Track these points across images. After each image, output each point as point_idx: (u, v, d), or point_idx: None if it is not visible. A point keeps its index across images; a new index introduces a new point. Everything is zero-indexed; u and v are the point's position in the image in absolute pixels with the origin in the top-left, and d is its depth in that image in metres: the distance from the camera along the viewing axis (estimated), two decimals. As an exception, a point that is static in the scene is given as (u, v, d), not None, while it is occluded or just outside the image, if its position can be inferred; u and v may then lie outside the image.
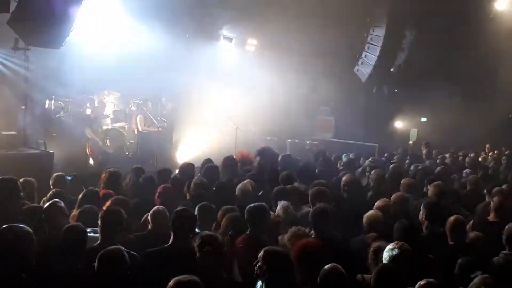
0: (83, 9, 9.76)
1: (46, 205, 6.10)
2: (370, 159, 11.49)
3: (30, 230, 4.80)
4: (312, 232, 5.90)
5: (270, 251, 4.61)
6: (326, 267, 4.52)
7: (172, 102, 15.34)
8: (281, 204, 6.68)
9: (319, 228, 5.90)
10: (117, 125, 14.33)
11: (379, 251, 5.20)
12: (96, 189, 7.29)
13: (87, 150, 13.00)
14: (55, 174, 7.94)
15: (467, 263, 5.02)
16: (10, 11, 9.35)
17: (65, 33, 9.72)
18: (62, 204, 6.03)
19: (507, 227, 5.77)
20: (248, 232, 5.77)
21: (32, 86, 10.96)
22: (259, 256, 4.61)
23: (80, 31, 10.52)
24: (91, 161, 13.06)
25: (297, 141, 16.83)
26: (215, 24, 15.94)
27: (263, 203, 6.08)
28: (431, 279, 4.41)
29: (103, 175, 7.97)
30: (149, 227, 5.97)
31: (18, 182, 6.76)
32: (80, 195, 6.83)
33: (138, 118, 14.06)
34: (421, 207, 6.50)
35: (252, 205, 5.96)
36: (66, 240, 5.04)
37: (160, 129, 14.10)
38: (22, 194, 6.63)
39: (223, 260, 4.96)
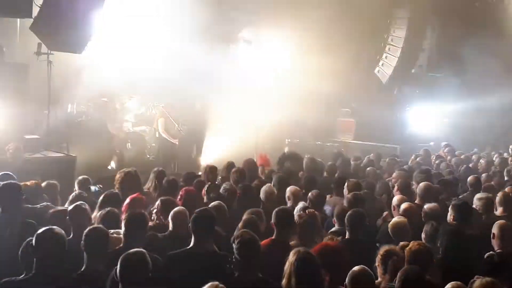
0: (105, 13, 9.81)
1: (70, 207, 6.14)
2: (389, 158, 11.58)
3: (63, 232, 4.91)
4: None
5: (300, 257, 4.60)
6: (354, 268, 4.50)
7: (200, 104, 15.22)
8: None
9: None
10: (138, 129, 14.39)
11: (387, 256, 5.15)
12: (117, 191, 7.30)
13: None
14: (80, 177, 8.00)
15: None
16: (33, 17, 9.46)
17: (86, 37, 9.80)
18: (86, 206, 6.07)
19: None
20: (273, 237, 5.78)
21: (54, 90, 11.02)
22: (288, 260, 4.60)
23: (102, 34, 10.59)
24: (112, 164, 13.08)
25: (318, 143, 16.77)
26: (235, 27, 15.96)
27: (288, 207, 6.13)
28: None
29: (118, 176, 8.01)
30: (170, 228, 5.98)
31: (21, 186, 6.71)
32: (101, 197, 6.86)
33: (159, 121, 14.09)
34: (450, 209, 6.45)
35: (280, 208, 5.97)
36: (87, 242, 5.06)
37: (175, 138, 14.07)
38: (24, 196, 6.59)
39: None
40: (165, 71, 13.61)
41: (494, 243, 5.77)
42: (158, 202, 6.67)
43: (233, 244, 4.92)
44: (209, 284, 3.99)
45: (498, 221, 5.96)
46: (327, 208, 7.63)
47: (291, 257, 4.60)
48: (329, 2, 14.05)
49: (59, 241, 4.82)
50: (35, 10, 9.41)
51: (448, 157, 13.20)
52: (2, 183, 6.52)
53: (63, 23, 9.40)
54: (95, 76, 12.37)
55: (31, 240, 4.85)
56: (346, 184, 8.02)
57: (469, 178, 9.02)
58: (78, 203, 6.10)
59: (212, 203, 6.54)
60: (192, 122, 14.70)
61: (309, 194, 7.51)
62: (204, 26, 14.26)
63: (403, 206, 6.84)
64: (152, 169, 8.74)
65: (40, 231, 4.85)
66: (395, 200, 7.30)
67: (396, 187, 8.27)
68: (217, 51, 15.14)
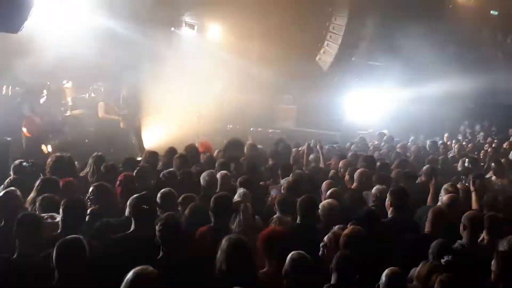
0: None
1: (1, 193, 5.99)
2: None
3: None
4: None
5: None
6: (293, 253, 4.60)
7: (133, 90, 15.05)
8: None
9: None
10: (75, 112, 14.08)
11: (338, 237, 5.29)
12: (53, 176, 7.15)
13: (23, 129, 12.31)
14: (16, 162, 7.79)
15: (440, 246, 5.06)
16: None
17: (23, 17, 9.43)
18: (18, 192, 5.93)
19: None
20: (212, 224, 5.80)
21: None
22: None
23: (39, 15, 10.23)
24: (48, 148, 12.75)
25: (259, 129, 16.85)
26: (177, 10, 15.77)
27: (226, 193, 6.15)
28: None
29: (49, 160, 7.86)
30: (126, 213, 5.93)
31: None
32: (37, 182, 6.70)
33: (98, 105, 13.88)
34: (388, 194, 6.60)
35: (218, 194, 5.99)
36: (19, 228, 4.94)
37: (120, 117, 13.94)
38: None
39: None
40: (103, 54, 13.35)
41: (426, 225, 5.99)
42: (91, 188, 6.57)
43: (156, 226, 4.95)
44: (140, 267, 3.99)
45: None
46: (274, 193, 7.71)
47: (223, 243, 4.66)
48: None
49: None
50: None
51: (383, 145, 13.54)
52: None
53: (-2, 2, 9.03)
54: (31, 57, 12.03)
55: None
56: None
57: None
58: (9, 189, 5.96)
59: (163, 190, 6.43)
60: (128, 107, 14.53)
61: (239, 179, 7.59)
62: (145, 9, 14.07)
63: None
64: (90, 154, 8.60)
65: None
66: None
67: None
68: (159, 35, 14.98)
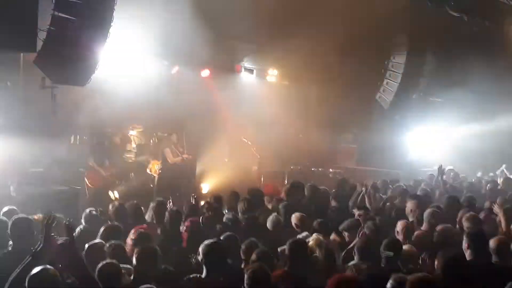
0: (108, 46, 9.88)
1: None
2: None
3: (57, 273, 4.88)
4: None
5: None
6: None
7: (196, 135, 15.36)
8: None
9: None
10: (140, 158, 14.41)
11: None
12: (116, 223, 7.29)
13: (86, 180, 12.74)
14: (86, 210, 8.01)
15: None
16: (37, 50, 9.53)
17: (90, 70, 9.84)
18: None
19: None
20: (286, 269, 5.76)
21: (58, 123, 11.07)
22: None
23: (105, 66, 10.64)
24: (116, 194, 13.08)
25: (320, 169, 16.80)
26: (236, 56, 16.10)
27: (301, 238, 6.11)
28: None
29: (110, 207, 8.06)
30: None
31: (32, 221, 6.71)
32: (101, 229, 6.86)
33: (165, 151, 14.23)
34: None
35: (294, 239, 5.96)
36: (101, 278, 5.08)
37: (185, 160, 14.25)
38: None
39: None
40: (167, 101, 13.73)
41: None
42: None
43: (245, 275, 4.94)
44: None
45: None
46: None
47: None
48: (329, 30, 14.15)
49: (53, 282, 4.79)
50: (39, 44, 9.44)
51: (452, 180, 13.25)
52: (14, 217, 6.51)
53: (67, 57, 9.43)
54: (98, 107, 12.47)
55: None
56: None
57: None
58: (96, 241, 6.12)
59: (225, 234, 6.47)
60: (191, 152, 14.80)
61: (314, 223, 7.52)
62: (205, 55, 14.43)
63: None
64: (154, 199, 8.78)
65: (34, 271, 4.81)
66: None
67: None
68: (219, 80, 15.32)
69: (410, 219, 8.38)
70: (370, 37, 15.51)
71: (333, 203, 9.79)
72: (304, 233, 6.97)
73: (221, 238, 6.31)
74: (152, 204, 8.51)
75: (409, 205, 8.80)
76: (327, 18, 13.85)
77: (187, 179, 14.46)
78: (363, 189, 9.81)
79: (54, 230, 6.96)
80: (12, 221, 6.40)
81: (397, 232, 7.25)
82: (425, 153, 18.36)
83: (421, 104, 17.93)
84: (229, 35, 14.37)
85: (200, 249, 5.68)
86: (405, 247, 6.42)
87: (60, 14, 9.16)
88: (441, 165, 12.20)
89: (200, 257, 5.66)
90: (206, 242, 5.73)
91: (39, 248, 5.33)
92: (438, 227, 7.17)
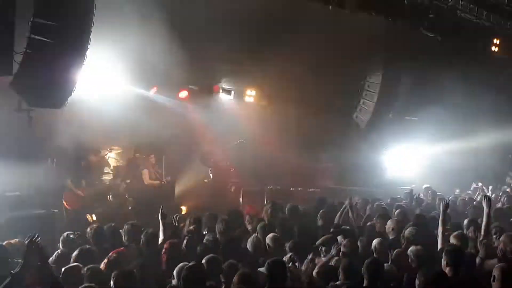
0: (85, 68, 9.87)
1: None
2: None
3: None
4: None
5: None
6: None
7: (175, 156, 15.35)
8: None
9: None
10: (118, 180, 14.32)
11: None
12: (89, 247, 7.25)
13: (64, 202, 12.62)
14: (63, 234, 7.94)
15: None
16: (13, 73, 9.47)
17: (67, 93, 9.81)
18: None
19: None
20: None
21: (36, 145, 10.98)
22: None
23: (81, 88, 10.60)
24: (93, 217, 12.95)
25: (299, 189, 16.82)
26: (214, 77, 16.16)
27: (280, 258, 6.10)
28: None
29: (88, 230, 8.01)
30: None
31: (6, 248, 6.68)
32: (75, 253, 6.82)
33: (142, 172, 14.17)
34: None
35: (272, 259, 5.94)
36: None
37: (164, 182, 14.18)
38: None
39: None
40: (145, 123, 13.72)
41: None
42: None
43: None
44: None
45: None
46: None
47: None
48: (305, 50, 14.30)
49: None
50: (15, 67, 9.39)
51: (430, 198, 13.37)
52: None
53: (43, 80, 9.39)
54: (75, 129, 12.40)
55: None
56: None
57: None
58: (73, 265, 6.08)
59: (207, 257, 6.44)
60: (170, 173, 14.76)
61: (289, 243, 7.54)
62: (183, 76, 14.47)
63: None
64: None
65: None
66: None
67: None
68: (198, 101, 15.36)
69: (390, 237, 8.46)
70: (346, 57, 15.69)
71: (320, 222, 9.80)
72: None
73: (203, 261, 6.26)
74: (126, 227, 8.43)
75: (389, 223, 8.88)
76: (304, 38, 13.99)
77: (166, 200, 14.36)
78: (347, 204, 9.98)
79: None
80: None
81: (375, 249, 7.33)
82: (402, 171, 18.54)
83: (398, 123, 18.13)
84: (207, 56, 14.42)
85: (176, 273, 5.66)
86: (386, 266, 6.46)
87: (36, 37, 9.14)
88: (412, 190, 12.47)
89: (175, 281, 5.64)
90: (183, 265, 5.70)
91: (18, 270, 5.27)
92: (416, 247, 7.22)
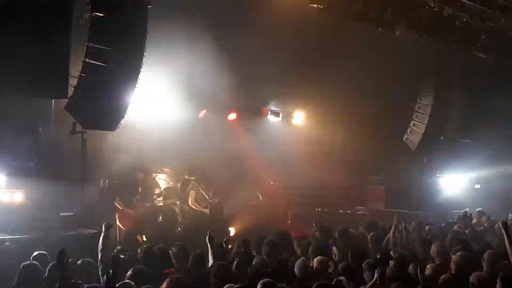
0: (137, 91, 10.08)
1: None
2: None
3: None
4: None
5: None
6: None
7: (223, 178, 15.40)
8: None
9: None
10: (168, 201, 14.46)
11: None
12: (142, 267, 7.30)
13: (118, 223, 12.79)
14: (114, 254, 8.03)
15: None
16: (68, 97, 9.74)
17: (120, 115, 10.05)
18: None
19: None
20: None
21: (88, 168, 11.22)
22: None
23: (133, 110, 10.80)
24: (144, 238, 13.10)
25: (348, 211, 16.65)
26: (262, 99, 16.27)
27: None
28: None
29: (139, 251, 8.09)
30: None
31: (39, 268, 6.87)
32: (128, 273, 6.87)
33: (190, 193, 14.27)
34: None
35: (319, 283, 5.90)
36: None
37: (207, 208, 14.17)
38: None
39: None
40: (194, 145, 13.88)
41: None
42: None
43: None
44: None
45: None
46: None
47: None
48: (355, 71, 14.26)
49: None
50: (70, 91, 9.66)
51: (485, 224, 13.00)
52: (22, 264, 6.75)
53: (97, 103, 9.67)
54: (127, 151, 12.64)
55: None
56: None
57: None
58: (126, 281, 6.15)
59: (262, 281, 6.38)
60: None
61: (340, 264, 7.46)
62: (232, 99, 14.61)
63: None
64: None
65: None
66: None
67: None
68: (246, 123, 15.46)
69: (437, 262, 8.25)
70: (396, 79, 15.56)
71: (370, 245, 9.67)
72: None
73: (259, 285, 6.17)
74: (174, 248, 8.47)
75: (433, 248, 8.70)
76: (353, 60, 13.96)
77: (214, 222, 14.40)
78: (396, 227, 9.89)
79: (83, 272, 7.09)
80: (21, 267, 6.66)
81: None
82: (454, 194, 18.12)
83: (449, 145, 17.78)
84: (256, 78, 14.54)
85: None
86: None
87: (91, 61, 9.41)
88: (467, 211, 12.14)
89: None
90: (230, 286, 5.70)
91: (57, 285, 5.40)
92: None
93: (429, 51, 15.05)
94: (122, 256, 8.02)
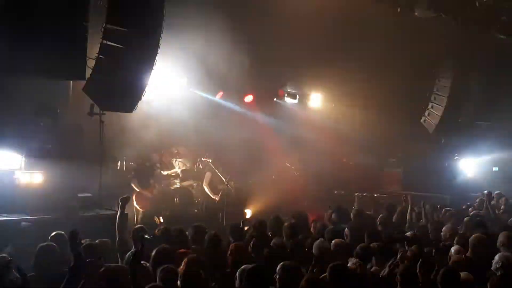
0: (154, 73, 10.09)
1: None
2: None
3: None
4: None
5: None
6: None
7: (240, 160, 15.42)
8: None
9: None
10: (185, 183, 14.54)
11: None
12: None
13: (136, 204, 12.93)
14: (134, 227, 8.14)
15: None
16: (86, 78, 9.76)
17: (137, 97, 10.07)
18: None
19: None
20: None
21: (106, 148, 11.29)
22: None
23: (150, 92, 10.82)
24: (160, 219, 13.21)
25: (365, 194, 16.60)
26: (279, 81, 16.22)
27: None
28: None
29: (156, 231, 8.17)
30: None
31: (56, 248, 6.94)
32: (153, 253, 6.89)
33: (206, 175, 14.34)
34: None
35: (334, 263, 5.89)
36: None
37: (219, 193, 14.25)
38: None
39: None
40: (211, 127, 13.91)
41: None
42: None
43: None
44: None
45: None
46: None
47: None
48: (373, 53, 14.14)
49: None
50: (88, 72, 9.68)
51: (502, 206, 12.91)
52: (39, 245, 6.82)
53: (115, 84, 9.68)
54: (143, 132, 12.70)
55: None
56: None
57: None
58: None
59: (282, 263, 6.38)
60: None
61: (357, 247, 7.45)
62: (248, 81, 14.59)
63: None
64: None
65: None
66: None
67: None
68: (263, 105, 15.43)
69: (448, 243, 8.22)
70: (414, 60, 15.41)
71: (380, 228, 9.65)
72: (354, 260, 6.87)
73: (278, 267, 6.17)
74: (190, 230, 8.50)
75: (445, 229, 8.74)
76: (371, 42, 13.84)
77: (230, 204, 14.46)
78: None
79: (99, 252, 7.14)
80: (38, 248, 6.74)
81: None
82: (472, 177, 17.98)
83: (467, 128, 17.62)
84: (272, 60, 14.49)
85: (238, 274, 5.68)
86: (462, 275, 6.27)
87: (108, 42, 9.42)
88: (490, 192, 12.01)
89: (237, 282, 5.66)
90: (246, 266, 5.72)
91: (72, 265, 5.47)
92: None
93: (448, 32, 14.85)
94: (147, 236, 8.09)
